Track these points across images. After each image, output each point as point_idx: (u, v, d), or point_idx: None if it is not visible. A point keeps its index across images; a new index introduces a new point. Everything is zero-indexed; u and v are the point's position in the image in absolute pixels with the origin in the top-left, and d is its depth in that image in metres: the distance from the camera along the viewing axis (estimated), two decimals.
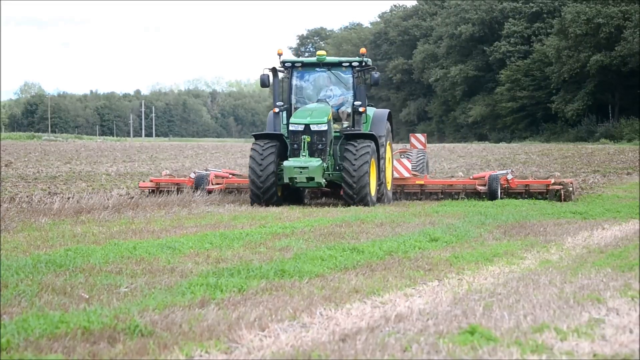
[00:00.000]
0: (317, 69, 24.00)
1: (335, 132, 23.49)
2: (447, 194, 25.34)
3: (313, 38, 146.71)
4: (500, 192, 24.80)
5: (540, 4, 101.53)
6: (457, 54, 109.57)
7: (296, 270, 10.84)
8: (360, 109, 23.59)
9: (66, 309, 8.44)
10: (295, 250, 12.76)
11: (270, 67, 23.74)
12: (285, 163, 22.57)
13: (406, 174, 25.80)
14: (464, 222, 17.70)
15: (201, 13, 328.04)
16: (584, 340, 7.30)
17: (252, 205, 22.48)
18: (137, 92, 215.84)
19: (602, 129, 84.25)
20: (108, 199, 21.62)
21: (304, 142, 22.65)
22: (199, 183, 25.37)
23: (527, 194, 24.88)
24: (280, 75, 24.00)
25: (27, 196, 23.27)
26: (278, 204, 22.71)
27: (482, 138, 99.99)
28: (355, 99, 23.76)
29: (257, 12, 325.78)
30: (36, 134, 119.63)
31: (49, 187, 27.07)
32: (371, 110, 24.54)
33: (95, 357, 6.89)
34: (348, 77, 23.87)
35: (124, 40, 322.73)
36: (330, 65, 23.94)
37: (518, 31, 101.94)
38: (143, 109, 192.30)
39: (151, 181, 26.25)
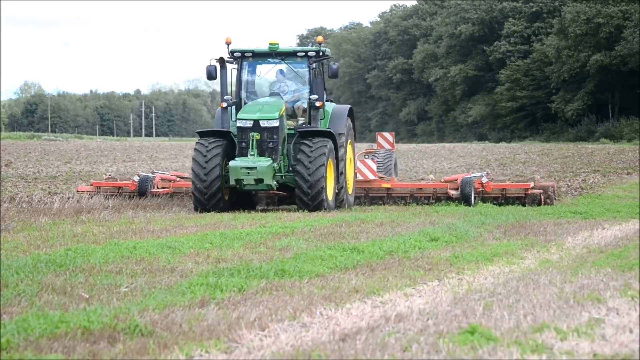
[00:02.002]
0: (270, 60, 21.94)
1: (289, 129, 21.50)
2: (416, 198, 23.49)
3: (313, 38, 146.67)
4: (475, 197, 23.03)
5: (540, 4, 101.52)
6: (457, 54, 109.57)
7: (296, 270, 10.84)
8: (317, 104, 21.51)
9: (66, 308, 8.44)
10: (295, 250, 12.76)
11: (218, 58, 21.67)
12: (231, 163, 20.48)
13: (371, 176, 23.91)
14: (464, 222, 17.70)
15: (201, 13, 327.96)
16: (584, 340, 7.30)
17: (196, 211, 20.54)
18: (137, 91, 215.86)
19: (602, 128, 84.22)
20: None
21: (253, 140, 20.50)
22: (142, 187, 23.43)
23: (504, 198, 23.09)
24: (230, 66, 21.87)
25: (27, 196, 23.32)
26: (225, 209, 20.65)
27: (482, 138, 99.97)
28: (311, 92, 21.68)
29: (257, 12, 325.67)
30: (36, 133, 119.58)
31: (49, 187, 27.09)
32: (330, 106, 22.41)
33: (95, 356, 6.89)
34: (304, 68, 21.85)
35: (124, 40, 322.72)
36: (284, 56, 21.85)
37: (518, 31, 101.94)
38: (143, 109, 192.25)
39: (92, 184, 24.47)
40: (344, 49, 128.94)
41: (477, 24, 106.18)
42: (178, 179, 24.49)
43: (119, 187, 23.97)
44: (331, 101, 22.92)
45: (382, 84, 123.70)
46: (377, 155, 27.14)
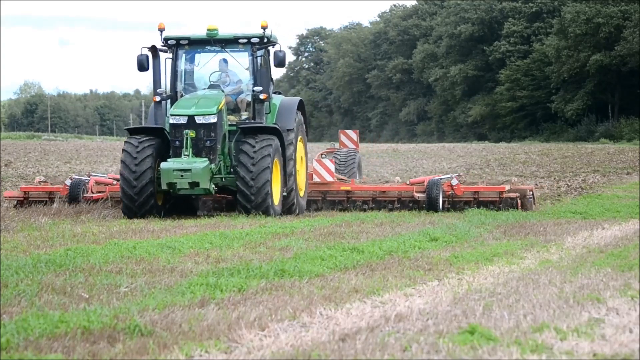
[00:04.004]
0: (209, 47, 19.73)
1: (230, 125, 19.27)
2: (379, 202, 21.39)
3: (313, 38, 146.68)
4: (444, 201, 20.91)
5: (540, 4, 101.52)
6: (456, 54, 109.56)
7: (296, 270, 10.85)
8: (262, 97, 19.22)
9: (66, 308, 8.45)
10: (295, 250, 12.76)
11: (149, 46, 19.35)
12: (163, 165, 18.20)
13: (329, 178, 21.65)
14: (464, 222, 17.71)
15: (201, 13, 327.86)
16: (584, 340, 7.30)
17: (124, 215, 18.47)
18: (137, 91, 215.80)
19: (602, 128, 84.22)
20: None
21: (187, 139, 18.36)
22: (74, 192, 20.81)
23: (477, 203, 20.92)
24: (164, 55, 19.66)
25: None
26: (159, 215, 18.45)
27: (481, 138, 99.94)
28: (255, 83, 19.40)
29: (257, 12, 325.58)
30: (36, 133, 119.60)
31: None
32: (278, 99, 20.12)
33: (95, 356, 6.89)
34: (247, 56, 19.66)
35: (123, 40, 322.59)
36: (225, 43, 19.57)
37: (518, 31, 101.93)
38: (143, 109, 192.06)
39: (20, 190, 21.64)
40: (344, 49, 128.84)
41: (477, 24, 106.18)
42: (115, 182, 21.25)
43: (50, 192, 21.29)
44: (279, 93, 20.69)
45: (382, 84, 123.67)
46: (338, 154, 25.14)
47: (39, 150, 58.04)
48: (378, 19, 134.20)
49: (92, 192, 20.99)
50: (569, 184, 29.47)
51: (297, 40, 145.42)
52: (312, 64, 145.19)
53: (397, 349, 6.98)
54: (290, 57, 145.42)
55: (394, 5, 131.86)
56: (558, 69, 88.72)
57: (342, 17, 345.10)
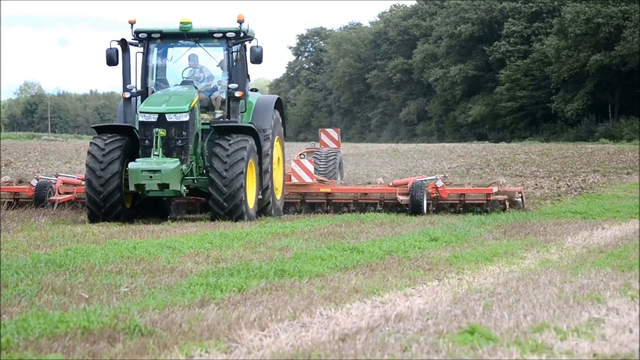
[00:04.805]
0: (182, 42, 18.80)
1: (204, 123, 18.37)
2: (361, 205, 20.64)
3: (313, 38, 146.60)
4: (428, 203, 20.21)
5: (540, 4, 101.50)
6: (456, 54, 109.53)
7: (296, 270, 10.85)
8: (237, 94, 18.29)
9: (66, 308, 8.45)
10: (295, 250, 12.77)
11: (119, 39, 18.44)
12: (131, 165, 17.22)
13: (308, 180, 20.77)
14: (463, 222, 17.72)
15: (201, 13, 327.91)
16: (584, 340, 7.30)
17: (90, 222, 17.29)
18: None
19: (602, 128, 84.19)
20: None
21: (157, 138, 17.39)
22: (40, 193, 19.93)
23: (463, 206, 20.33)
24: (135, 50, 18.69)
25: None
26: (126, 219, 17.48)
27: (481, 138, 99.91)
28: (230, 80, 18.51)
29: (256, 12, 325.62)
30: (36, 133, 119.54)
31: None
32: (254, 97, 19.28)
33: (95, 356, 6.89)
34: (222, 51, 18.76)
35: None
36: (198, 37, 18.68)
37: (518, 31, 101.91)
38: None
39: None
40: (344, 49, 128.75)
41: (477, 24, 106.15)
42: (83, 182, 19.33)
43: (16, 193, 20.42)
44: (256, 91, 19.87)
45: (382, 84, 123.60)
46: (318, 155, 24.21)
47: (39, 150, 58.04)
48: (378, 19, 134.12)
49: (60, 194, 20.03)
50: (569, 184, 29.47)
51: (297, 40, 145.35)
52: (312, 64, 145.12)
53: (397, 349, 6.98)
54: (290, 57, 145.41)
55: (394, 5, 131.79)
56: (558, 69, 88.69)
57: (342, 17, 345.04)
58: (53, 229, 15.71)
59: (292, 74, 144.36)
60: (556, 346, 7.11)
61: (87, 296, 9.14)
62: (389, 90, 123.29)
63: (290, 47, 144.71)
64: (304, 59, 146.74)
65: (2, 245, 13.08)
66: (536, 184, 28.73)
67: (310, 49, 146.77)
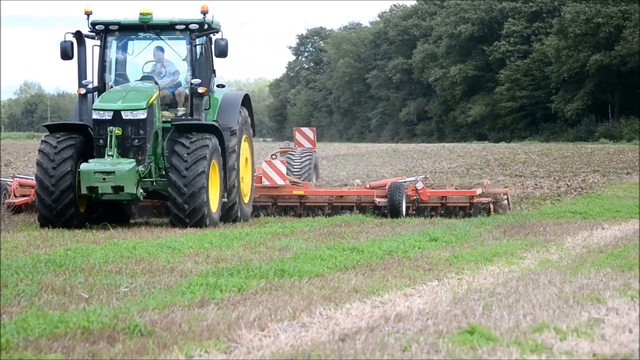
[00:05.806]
0: (142, 34, 17.62)
1: (165, 121, 17.14)
2: (336, 208, 19.59)
3: (313, 38, 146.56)
4: (408, 206, 19.21)
5: (540, 4, 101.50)
6: (456, 54, 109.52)
7: (296, 270, 10.85)
8: (200, 90, 17.08)
9: (66, 308, 8.45)
10: (295, 250, 12.77)
11: (74, 32, 17.26)
12: (83, 166, 15.99)
13: (280, 182, 19.61)
14: (463, 221, 17.72)
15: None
16: (584, 340, 7.30)
17: (42, 227, 16.13)
18: None
19: (601, 128, 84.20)
20: None
21: (112, 137, 16.16)
22: None
23: (445, 209, 19.40)
24: (91, 43, 17.53)
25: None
26: (80, 223, 16.29)
27: (481, 138, 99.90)
28: (194, 75, 17.35)
29: (256, 12, 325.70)
30: (36, 133, 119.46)
31: None
32: (220, 93, 18.10)
33: (95, 356, 6.89)
34: (184, 45, 17.63)
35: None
36: (160, 29, 17.49)
37: (517, 31, 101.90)
38: None
39: None
40: (344, 49, 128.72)
41: (476, 24, 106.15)
42: None
43: None
44: (222, 86, 18.56)
45: (381, 84, 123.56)
46: (292, 155, 22.94)
47: None
48: (378, 19, 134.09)
49: (15, 196, 18.96)
50: (569, 184, 29.47)
51: (297, 40, 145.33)
52: (312, 64, 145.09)
53: (397, 349, 6.98)
54: (290, 57, 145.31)
55: (394, 5, 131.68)
56: (558, 69, 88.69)
57: (342, 17, 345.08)
58: (53, 229, 15.73)
59: (292, 74, 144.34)
60: (556, 346, 7.11)
61: (87, 296, 9.14)
62: (389, 90, 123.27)
63: (290, 47, 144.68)
64: (303, 59, 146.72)
65: (2, 245, 13.09)
66: (536, 184, 28.73)
67: (310, 49, 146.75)
